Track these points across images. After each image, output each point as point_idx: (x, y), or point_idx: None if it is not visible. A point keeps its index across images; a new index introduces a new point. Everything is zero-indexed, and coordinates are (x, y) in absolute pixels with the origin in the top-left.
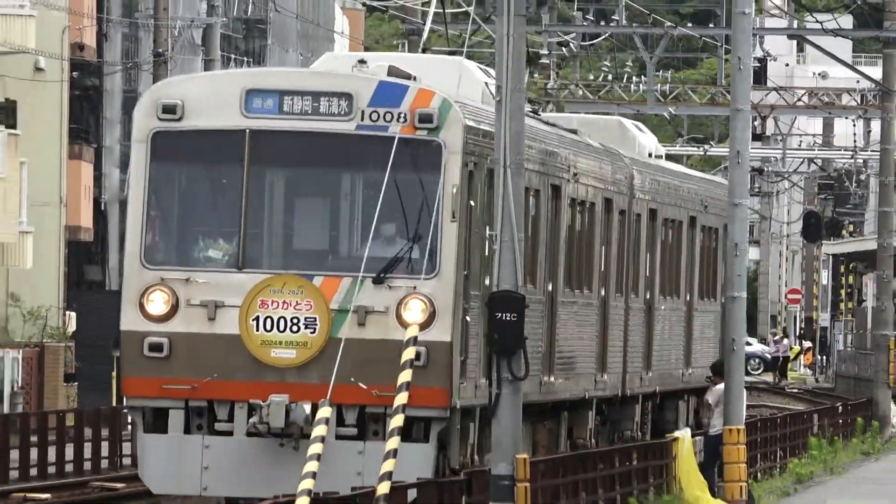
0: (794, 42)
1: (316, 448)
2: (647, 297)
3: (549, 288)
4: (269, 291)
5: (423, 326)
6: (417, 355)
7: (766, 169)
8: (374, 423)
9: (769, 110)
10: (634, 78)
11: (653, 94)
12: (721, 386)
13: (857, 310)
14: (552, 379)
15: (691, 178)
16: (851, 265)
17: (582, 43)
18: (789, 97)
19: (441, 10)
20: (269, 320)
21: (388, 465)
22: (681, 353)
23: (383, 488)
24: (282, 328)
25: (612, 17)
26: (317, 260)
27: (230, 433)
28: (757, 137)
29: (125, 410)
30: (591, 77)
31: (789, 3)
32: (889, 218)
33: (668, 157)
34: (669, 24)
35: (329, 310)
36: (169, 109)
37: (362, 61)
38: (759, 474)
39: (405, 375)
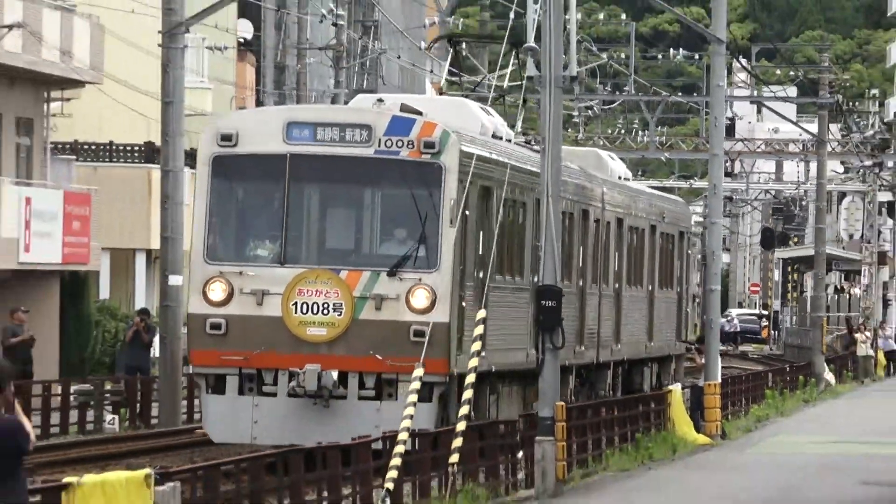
0: (755, 106)
1: (413, 398)
2: (616, 286)
3: (536, 280)
4: (305, 282)
5: (426, 311)
6: (423, 332)
7: (734, 197)
8: (389, 386)
9: (737, 155)
10: (640, 132)
11: (653, 144)
12: None
13: (800, 298)
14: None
15: (652, 196)
16: (795, 266)
17: (602, 107)
18: (751, 146)
19: (458, 66)
20: (305, 305)
21: (464, 409)
22: (644, 330)
23: (461, 426)
24: (315, 311)
25: (624, 88)
26: (343, 257)
27: (275, 394)
28: (728, 174)
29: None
30: (609, 131)
31: (751, 77)
32: (822, 232)
33: (665, 190)
34: (665, 93)
35: (352, 297)
36: (226, 137)
37: (380, 100)
38: (729, 416)
39: (476, 345)
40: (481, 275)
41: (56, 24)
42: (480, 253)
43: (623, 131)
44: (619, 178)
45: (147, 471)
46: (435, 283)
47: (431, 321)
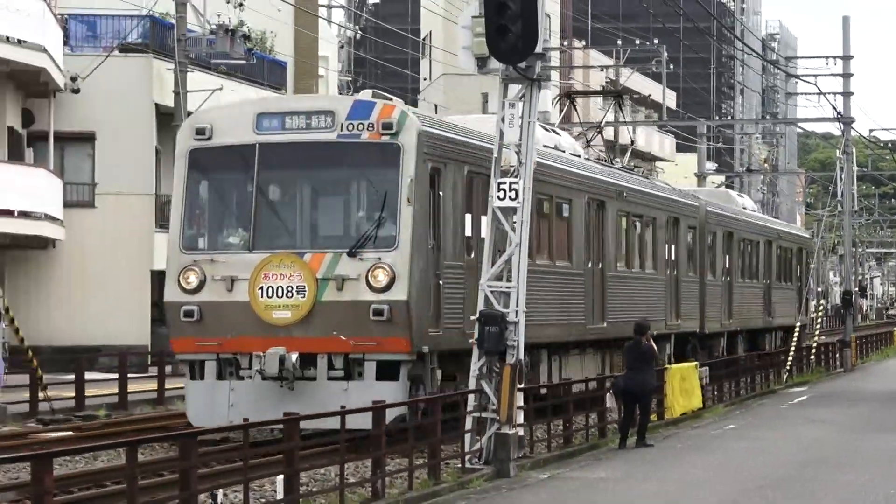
0: None
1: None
2: (727, 279)
3: (593, 266)
4: (270, 266)
5: (385, 289)
6: (381, 311)
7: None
8: (358, 366)
9: None
10: (881, 230)
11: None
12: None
13: None
14: (603, 324)
15: (770, 221)
16: None
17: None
18: None
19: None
20: (270, 289)
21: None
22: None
23: (814, 343)
24: (280, 295)
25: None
26: (307, 240)
27: (250, 378)
28: None
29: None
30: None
31: None
32: None
33: (887, 255)
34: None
35: (315, 279)
36: (200, 131)
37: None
38: (870, 353)
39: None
40: (473, 255)
41: None
42: (470, 234)
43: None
44: (745, 208)
45: (695, 363)
46: (394, 261)
47: (390, 300)
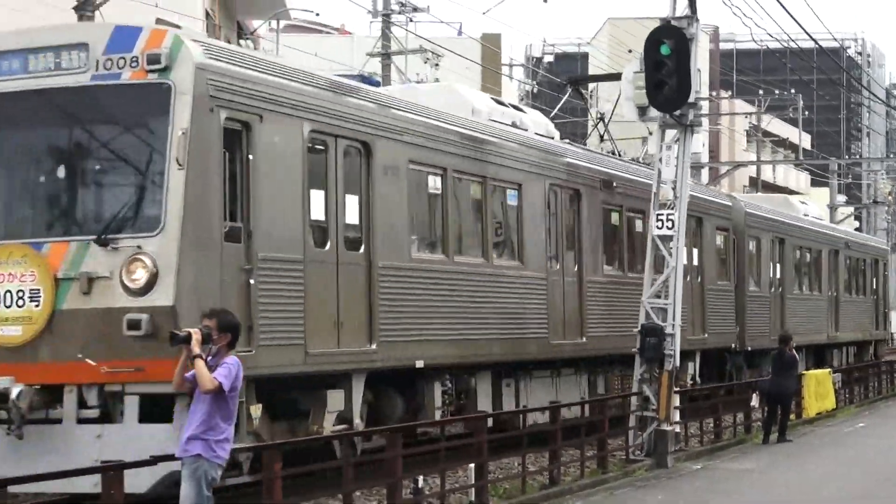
0: None
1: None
2: (778, 290)
3: (576, 269)
4: None
5: (145, 291)
6: (138, 324)
7: None
8: (121, 402)
9: None
10: None
11: None
12: None
13: None
14: (581, 339)
15: (837, 230)
16: None
17: None
18: None
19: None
20: None
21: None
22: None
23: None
24: (8, 303)
25: None
26: (47, 225)
27: None
28: None
29: None
30: None
31: None
32: None
33: None
34: None
35: (54, 279)
36: None
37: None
38: None
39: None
40: (328, 246)
41: None
42: (323, 219)
43: None
44: (806, 215)
45: (829, 369)
46: (157, 250)
47: (150, 306)
